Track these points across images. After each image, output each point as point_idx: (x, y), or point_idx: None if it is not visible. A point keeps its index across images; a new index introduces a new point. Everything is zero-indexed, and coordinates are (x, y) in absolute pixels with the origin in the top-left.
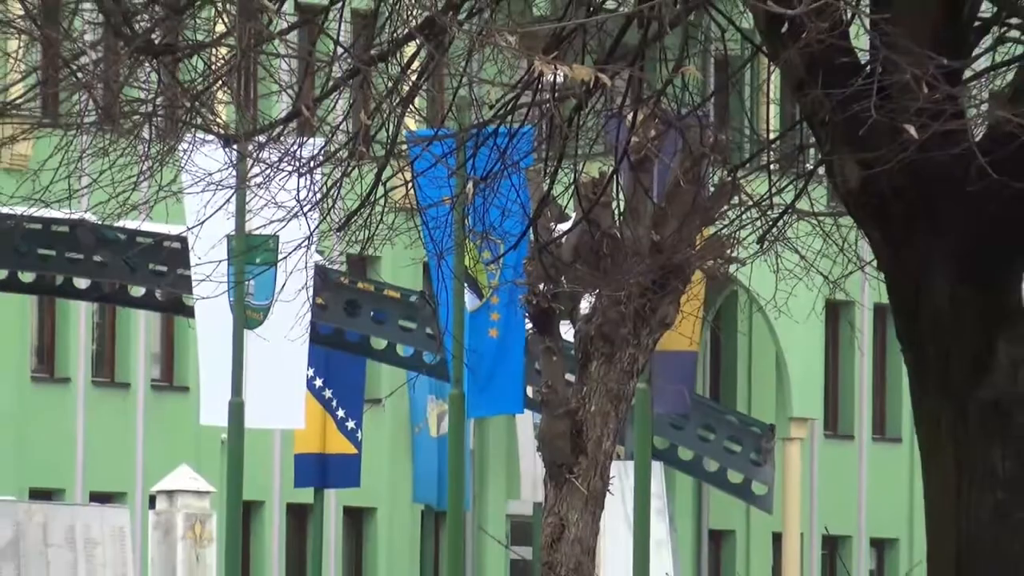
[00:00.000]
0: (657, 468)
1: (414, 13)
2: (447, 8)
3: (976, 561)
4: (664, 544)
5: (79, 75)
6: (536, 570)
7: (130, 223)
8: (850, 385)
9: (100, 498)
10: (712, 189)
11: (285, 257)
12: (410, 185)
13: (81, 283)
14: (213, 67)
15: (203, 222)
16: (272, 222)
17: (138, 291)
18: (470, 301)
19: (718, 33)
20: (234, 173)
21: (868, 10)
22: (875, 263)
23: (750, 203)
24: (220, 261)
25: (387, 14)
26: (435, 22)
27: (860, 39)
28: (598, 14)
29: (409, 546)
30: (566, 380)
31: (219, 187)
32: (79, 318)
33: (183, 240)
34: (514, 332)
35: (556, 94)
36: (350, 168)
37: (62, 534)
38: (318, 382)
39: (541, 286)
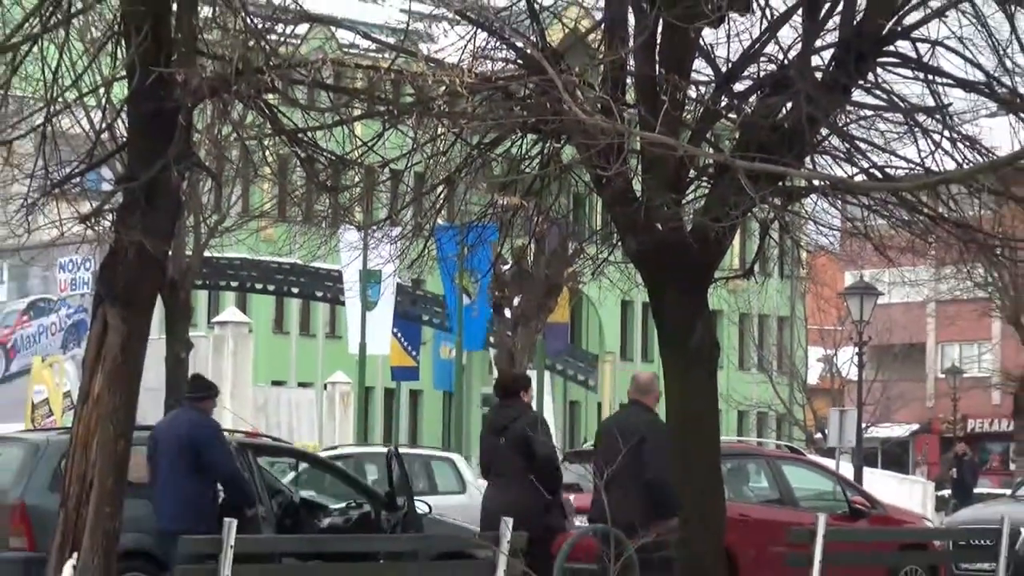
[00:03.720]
0: (547, 375)
1: (441, 173)
2: (457, 170)
3: (688, 422)
4: (548, 408)
5: (295, 198)
6: None
7: (316, 264)
8: (632, 337)
9: (303, 385)
10: (571, 251)
11: (384, 280)
12: (439, 249)
13: (294, 290)
14: (352, 196)
15: (348, 264)
16: (379, 264)
17: (319, 293)
18: (465, 300)
19: (575, 183)
20: (361, 243)
21: (641, 172)
22: (643, 284)
23: (588, 258)
24: (355, 282)
25: (429, 174)
26: (451, 178)
27: (637, 184)
28: (522, 173)
29: (437, 410)
30: (507, 335)
31: (355, 248)
32: (292, 306)
33: (340, 272)
34: (484, 313)
35: (503, 209)
36: (413, 241)
37: (286, 399)
38: (399, 334)
39: (496, 293)
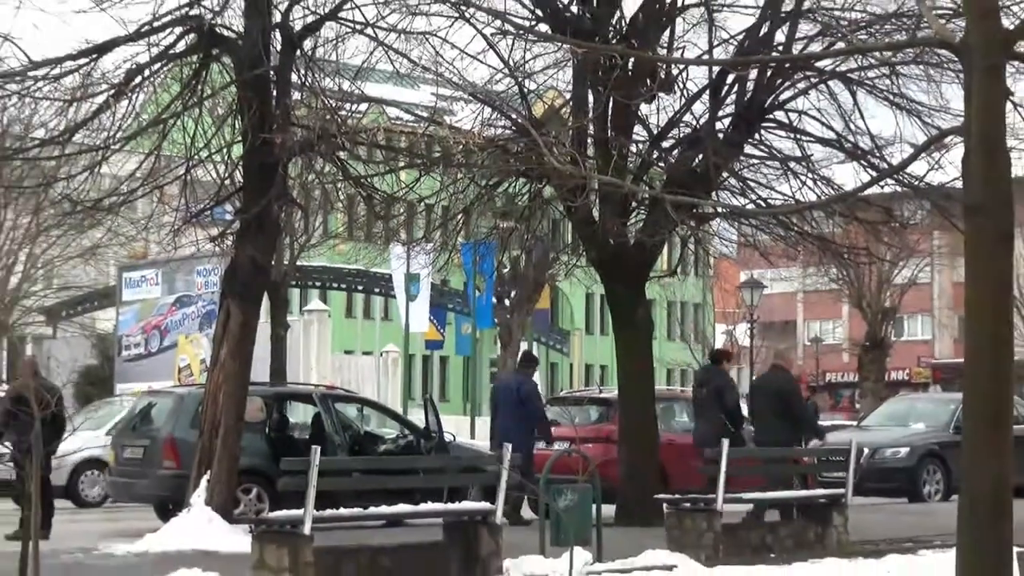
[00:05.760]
0: (535, 344)
1: (460, 206)
2: (471, 203)
3: (632, 376)
4: (536, 367)
5: (359, 224)
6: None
7: (374, 269)
8: (593, 318)
9: (366, 354)
10: (551, 259)
11: (422, 280)
12: (460, 258)
13: (359, 287)
14: (399, 223)
15: (396, 269)
16: (417, 269)
17: (377, 289)
18: (477, 295)
19: (553, 212)
20: (406, 254)
21: (598, 204)
22: (601, 281)
23: (562, 263)
24: (401, 282)
25: (451, 206)
26: (467, 209)
27: (596, 212)
28: (516, 206)
29: (460, 372)
30: (507, 317)
31: (401, 258)
32: (358, 299)
33: (391, 275)
34: (490, 302)
35: (503, 230)
36: (441, 253)
37: (354, 363)
38: (432, 319)
39: (498, 288)
